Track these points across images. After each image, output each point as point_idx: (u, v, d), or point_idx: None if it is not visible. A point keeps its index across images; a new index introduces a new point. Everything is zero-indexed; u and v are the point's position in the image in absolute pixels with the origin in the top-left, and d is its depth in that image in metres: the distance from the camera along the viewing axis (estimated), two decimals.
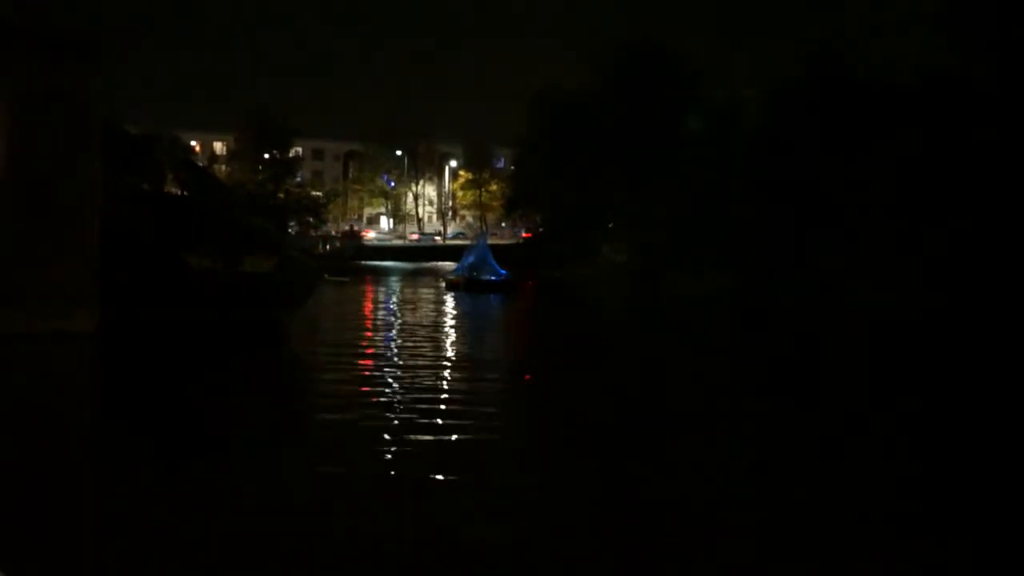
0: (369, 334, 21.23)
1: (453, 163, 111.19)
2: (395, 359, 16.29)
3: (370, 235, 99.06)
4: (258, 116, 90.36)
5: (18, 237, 16.86)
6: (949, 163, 30.11)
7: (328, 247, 78.90)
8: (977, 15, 30.80)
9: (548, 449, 9.83)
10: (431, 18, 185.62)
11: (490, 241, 48.60)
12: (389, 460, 8.93)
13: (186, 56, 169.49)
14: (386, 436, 9.73)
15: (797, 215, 35.34)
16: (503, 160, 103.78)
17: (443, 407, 11.61)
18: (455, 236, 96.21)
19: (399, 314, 27.00)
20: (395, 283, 46.62)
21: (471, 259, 42.68)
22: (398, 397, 12.23)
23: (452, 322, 25.23)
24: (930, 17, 32.31)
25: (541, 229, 64.23)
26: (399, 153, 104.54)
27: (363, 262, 72.50)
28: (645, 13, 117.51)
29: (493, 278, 40.65)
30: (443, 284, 42.17)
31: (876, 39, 34.53)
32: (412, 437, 9.71)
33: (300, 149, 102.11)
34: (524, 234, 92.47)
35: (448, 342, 19.75)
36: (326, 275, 30.25)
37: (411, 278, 51.45)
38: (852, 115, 33.82)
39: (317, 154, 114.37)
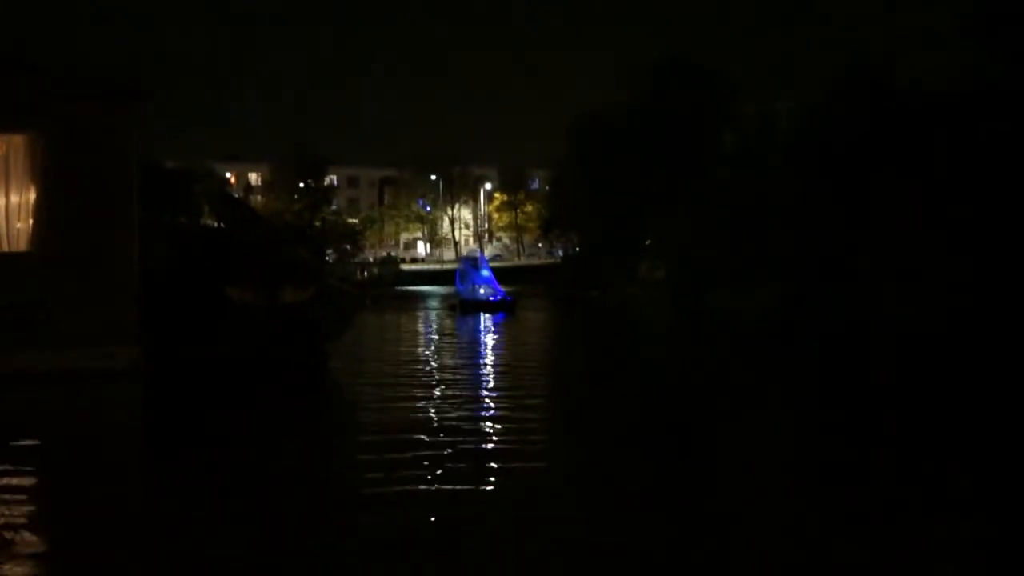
0: (412, 377, 19.29)
1: (488, 185, 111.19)
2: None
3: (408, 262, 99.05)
4: (293, 146, 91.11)
5: (57, 275, 16.78)
6: (993, 173, 29.35)
7: (366, 274, 79.02)
8: (1015, 25, 30.09)
9: None
10: (464, 41, 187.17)
11: (527, 262, 47.95)
12: None
13: (221, 88, 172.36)
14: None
15: (840, 226, 34.51)
16: (536, 181, 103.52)
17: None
18: (492, 258, 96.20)
19: (436, 347, 26.08)
20: (427, 309, 46.28)
21: (467, 278, 42.48)
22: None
23: (493, 349, 24.38)
24: (968, 28, 31.67)
25: (578, 249, 63.63)
26: (433, 177, 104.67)
27: (400, 287, 72.48)
28: (679, 29, 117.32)
29: (492, 298, 40.16)
30: (451, 306, 42.05)
31: (914, 51, 33.88)
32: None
33: (335, 177, 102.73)
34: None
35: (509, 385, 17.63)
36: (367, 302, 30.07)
37: (443, 302, 51.05)
38: (892, 126, 33.09)
39: (352, 181, 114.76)
